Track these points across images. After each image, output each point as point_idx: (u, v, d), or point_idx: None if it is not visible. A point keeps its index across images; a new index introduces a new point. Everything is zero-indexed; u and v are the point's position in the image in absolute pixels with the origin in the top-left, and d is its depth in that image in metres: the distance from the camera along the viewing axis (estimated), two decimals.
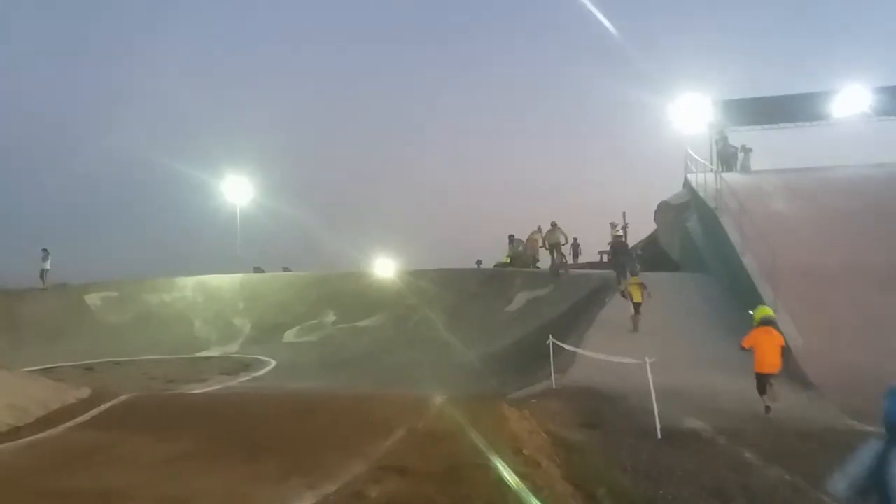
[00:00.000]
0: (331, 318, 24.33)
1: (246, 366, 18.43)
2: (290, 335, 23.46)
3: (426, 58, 65.49)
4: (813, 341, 10.47)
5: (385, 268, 26.55)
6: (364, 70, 63.50)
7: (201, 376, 16.24)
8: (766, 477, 5.60)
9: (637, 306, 13.73)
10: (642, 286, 13.88)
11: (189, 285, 27.52)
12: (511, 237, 27.30)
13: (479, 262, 28.81)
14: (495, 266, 27.46)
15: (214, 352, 21.92)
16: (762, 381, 8.35)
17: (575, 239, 24.64)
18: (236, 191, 32.13)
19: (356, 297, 24.90)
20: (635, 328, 13.50)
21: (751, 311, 9.26)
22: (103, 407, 8.58)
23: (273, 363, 18.81)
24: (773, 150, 27.53)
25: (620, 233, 22.68)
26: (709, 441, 6.86)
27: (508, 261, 26.96)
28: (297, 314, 24.77)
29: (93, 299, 25.97)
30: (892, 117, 25.70)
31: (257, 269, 31.69)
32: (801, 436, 6.94)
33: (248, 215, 32.95)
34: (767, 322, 8.71)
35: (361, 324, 23.21)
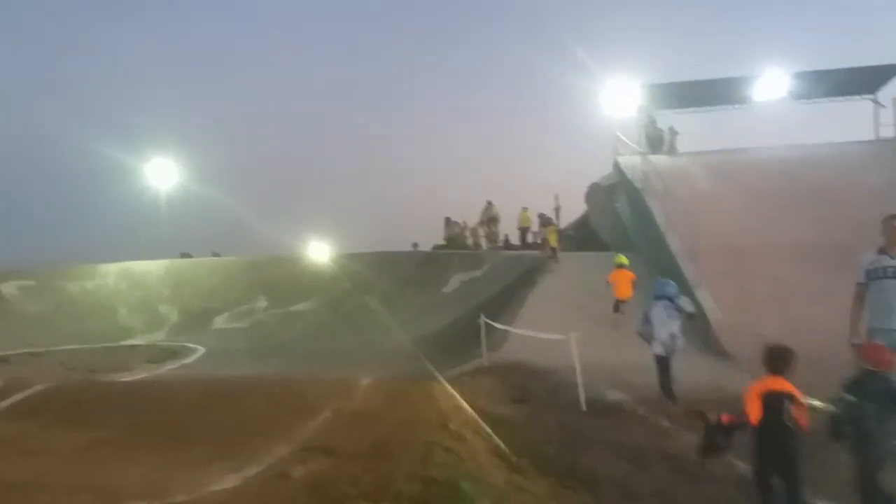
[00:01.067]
0: (262, 303, 23.89)
1: (173, 353, 17.90)
2: (219, 321, 22.93)
3: (361, 39, 64.71)
4: (731, 314, 10.96)
5: (319, 251, 26.21)
6: (296, 50, 62.20)
7: (125, 365, 15.68)
8: (683, 443, 5.83)
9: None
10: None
11: (112, 272, 26.50)
12: (447, 219, 27.40)
13: (415, 245, 28.81)
14: (433, 248, 27.56)
15: (139, 340, 21.21)
16: (617, 305, 12.66)
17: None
18: (161, 174, 30.92)
19: (289, 281, 24.52)
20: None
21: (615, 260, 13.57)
22: (16, 398, 8.13)
23: (202, 350, 18.34)
24: (698, 132, 28.53)
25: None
26: (630, 411, 7.10)
27: (445, 243, 27.08)
28: (227, 300, 24.21)
29: (8, 288, 24.75)
30: (808, 101, 27.03)
31: (185, 255, 30.74)
32: (716, 404, 7.24)
33: (175, 199, 31.81)
34: (621, 266, 13.19)
35: (294, 309, 22.89)
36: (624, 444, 5.83)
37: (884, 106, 27.08)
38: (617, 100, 25.41)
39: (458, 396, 6.89)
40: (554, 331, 8.52)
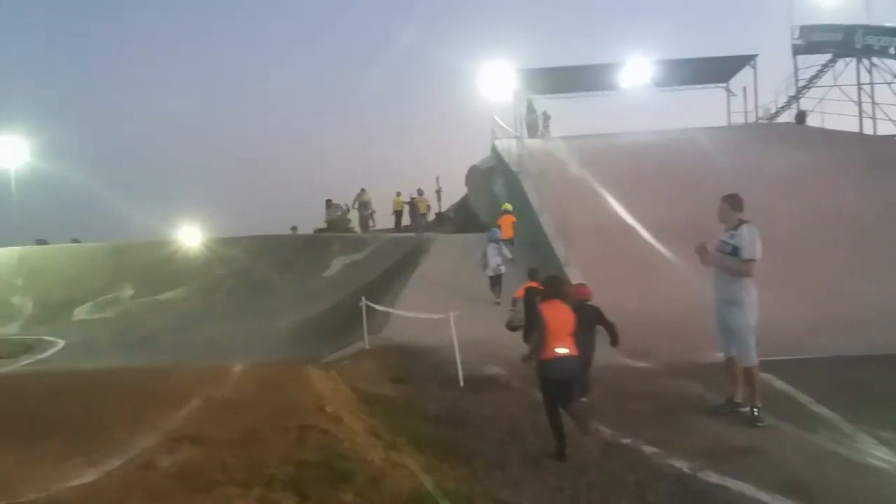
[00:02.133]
0: (128, 291, 22.41)
1: (28, 347, 16.42)
2: (81, 312, 21.27)
3: (241, 16, 61.75)
4: (598, 291, 11.48)
5: (191, 236, 24.88)
6: (170, 23, 58.39)
7: None
8: None
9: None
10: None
11: None
12: (328, 202, 26.91)
13: (294, 228, 28.12)
14: (314, 232, 27.01)
15: None
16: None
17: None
18: (8, 151, 28.09)
19: (158, 268, 23.15)
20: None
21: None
22: None
23: (61, 343, 16.95)
24: (571, 117, 29.81)
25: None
26: (505, 385, 7.34)
27: (326, 226, 26.62)
28: (90, 289, 22.49)
29: None
30: (669, 88, 28.92)
31: (40, 241, 28.30)
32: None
33: (26, 181, 29.06)
34: (507, 211, 16.14)
35: (164, 297, 21.64)
36: (499, 417, 6.03)
37: (735, 94, 29.60)
38: (494, 84, 26.02)
39: (336, 379, 6.82)
40: (435, 311, 8.62)
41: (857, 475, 4.48)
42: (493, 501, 4.14)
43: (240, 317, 18.24)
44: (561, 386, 5.00)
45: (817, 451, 4.96)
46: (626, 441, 5.21)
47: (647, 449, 5.01)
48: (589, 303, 6.78)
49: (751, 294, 5.75)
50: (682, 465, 4.65)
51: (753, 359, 5.70)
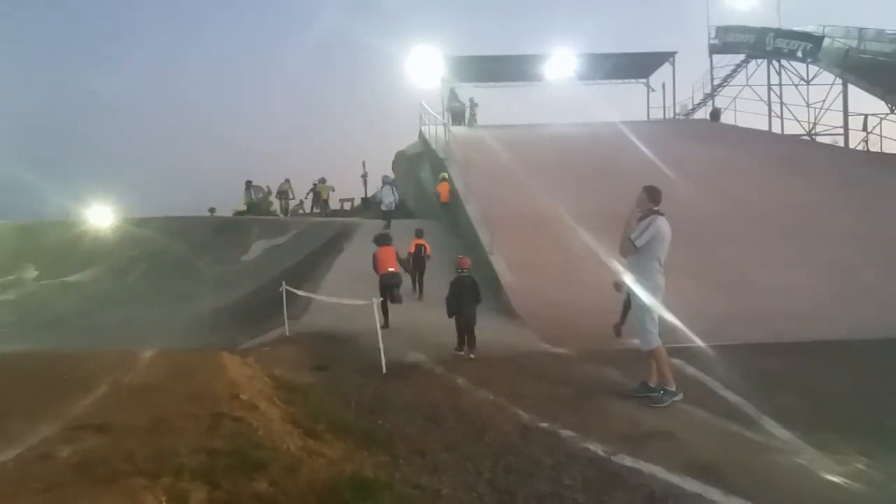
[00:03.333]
0: (32, 273, 21.10)
1: None
2: None
3: None
4: (521, 278, 11.71)
5: (101, 216, 23.61)
6: None
7: None
8: (474, 398, 6.15)
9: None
10: None
11: None
12: (248, 183, 26.18)
13: (212, 210, 27.25)
14: (233, 214, 26.23)
15: None
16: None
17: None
18: None
19: (64, 249, 21.90)
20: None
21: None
22: None
23: None
24: (498, 106, 30.10)
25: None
26: (428, 371, 7.32)
27: (245, 208, 25.90)
28: None
29: None
30: (591, 81, 29.55)
31: None
32: (505, 360, 7.76)
33: None
34: (444, 179, 18.03)
35: (71, 279, 20.48)
36: (421, 404, 6.01)
37: (654, 90, 30.65)
38: (422, 70, 25.91)
39: (252, 366, 6.61)
40: (358, 297, 8.50)
41: (761, 457, 4.73)
42: (413, 487, 4.12)
43: (153, 301, 17.49)
44: (391, 287, 10.23)
45: (725, 434, 5.20)
46: (544, 425, 5.31)
47: (565, 433, 5.11)
48: (467, 273, 8.44)
49: (650, 279, 5.95)
50: (597, 448, 4.77)
51: (650, 343, 5.93)
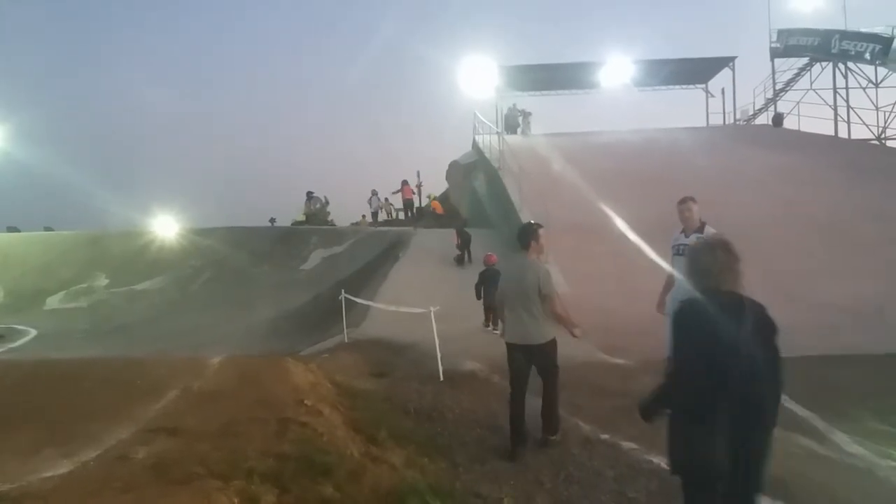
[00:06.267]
0: (102, 281, 22.05)
1: None
2: (53, 302, 20.90)
3: (227, 9, 60.84)
4: (577, 287, 11.61)
5: (167, 226, 24.54)
6: (152, 7, 57.34)
7: None
8: (532, 408, 6.11)
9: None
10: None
11: None
12: (309, 193, 26.77)
13: (272, 220, 27.91)
14: (292, 224, 26.84)
15: None
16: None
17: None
18: None
19: (133, 258, 22.81)
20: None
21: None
22: None
23: (33, 332, 16.66)
24: (552, 115, 29.94)
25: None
26: (484, 380, 7.35)
27: (304, 218, 26.48)
28: (63, 278, 22.10)
29: None
30: (648, 88, 29.05)
31: (11, 229, 27.77)
32: (563, 370, 7.68)
33: None
34: (434, 198, 23.80)
35: (139, 287, 21.34)
36: (478, 412, 6.04)
37: (714, 95, 29.94)
38: (476, 80, 26.02)
39: (315, 372, 6.76)
40: (415, 305, 8.60)
41: (831, 472, 4.57)
42: (474, 496, 4.15)
43: (216, 308, 18.04)
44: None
45: (793, 448, 5.04)
46: (605, 437, 5.25)
47: (626, 445, 5.05)
48: (493, 267, 10.55)
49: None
50: (660, 461, 4.69)
51: None
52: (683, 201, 6.13)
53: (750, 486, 2.82)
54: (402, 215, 27.37)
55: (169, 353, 11.01)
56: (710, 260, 2.92)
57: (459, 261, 15.54)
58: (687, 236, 6.02)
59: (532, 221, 5.58)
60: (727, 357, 2.69)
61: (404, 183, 26.24)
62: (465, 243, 15.73)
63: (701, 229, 5.89)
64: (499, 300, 5.46)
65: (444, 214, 24.33)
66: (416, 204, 28.50)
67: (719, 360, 2.70)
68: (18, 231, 27.53)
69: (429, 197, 27.24)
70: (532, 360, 5.16)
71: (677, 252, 6.05)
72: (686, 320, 2.88)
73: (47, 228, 28.41)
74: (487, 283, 10.29)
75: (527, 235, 5.31)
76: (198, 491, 3.53)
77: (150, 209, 26.06)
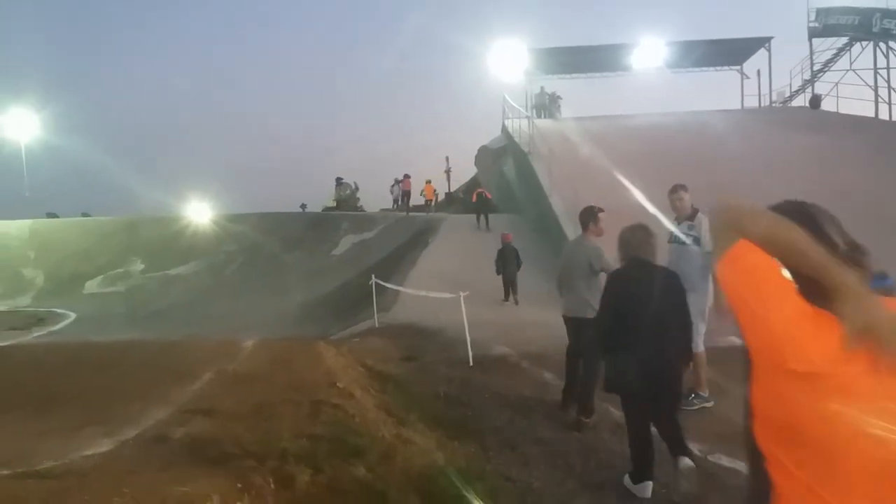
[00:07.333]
0: (139, 266, 22.58)
1: (39, 320, 16.64)
2: (91, 286, 21.47)
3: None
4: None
5: (200, 212, 24.96)
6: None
7: None
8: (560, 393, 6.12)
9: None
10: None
11: None
12: (339, 180, 26.91)
13: (303, 206, 28.16)
14: (322, 210, 27.04)
15: (1, 306, 19.45)
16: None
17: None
18: (19, 126, 28.13)
19: (167, 243, 23.27)
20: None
21: None
22: None
23: (73, 316, 17.15)
24: (582, 97, 29.52)
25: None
26: (514, 365, 7.35)
27: (335, 204, 26.65)
28: (100, 263, 22.67)
29: None
30: (681, 70, 28.45)
31: (51, 215, 28.52)
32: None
33: (37, 154, 29.17)
34: (428, 182, 25.02)
35: (174, 272, 21.79)
36: (508, 396, 6.05)
37: (749, 77, 29.21)
38: (505, 64, 25.78)
39: (346, 355, 6.84)
40: (444, 290, 8.62)
41: None
42: (505, 479, 4.17)
43: (249, 293, 18.34)
44: None
45: None
46: None
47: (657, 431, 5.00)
48: (509, 245, 11.73)
49: (709, 282, 5.58)
50: (693, 447, 4.65)
51: (698, 346, 5.67)
52: (674, 190, 6.02)
53: (664, 400, 3.99)
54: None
55: (203, 336, 11.23)
56: (630, 236, 4.26)
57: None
58: (679, 224, 5.91)
59: (594, 205, 5.90)
60: (633, 307, 3.84)
61: (406, 176, 26.26)
62: (481, 208, 18.03)
63: (693, 216, 5.77)
64: (557, 277, 5.93)
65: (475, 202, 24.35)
66: (447, 189, 28.54)
67: (625, 309, 3.90)
68: (57, 217, 28.24)
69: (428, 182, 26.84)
70: (580, 333, 5.38)
71: (670, 240, 5.95)
72: (609, 281, 4.40)
73: (85, 214, 29.10)
74: (505, 260, 11.49)
75: (586, 218, 5.72)
76: (233, 470, 3.61)
77: (184, 196, 26.54)
